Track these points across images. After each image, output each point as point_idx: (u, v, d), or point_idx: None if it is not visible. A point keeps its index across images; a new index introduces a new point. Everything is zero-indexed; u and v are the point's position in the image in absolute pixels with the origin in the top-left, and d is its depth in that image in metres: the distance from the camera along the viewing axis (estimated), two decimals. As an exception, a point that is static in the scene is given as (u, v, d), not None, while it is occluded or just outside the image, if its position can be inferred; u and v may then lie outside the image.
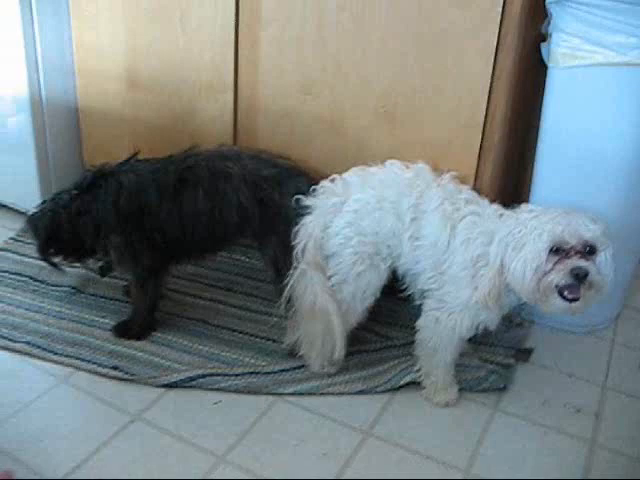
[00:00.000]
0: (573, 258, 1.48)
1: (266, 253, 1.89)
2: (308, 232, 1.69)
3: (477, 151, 1.86)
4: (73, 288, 2.11)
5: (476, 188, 1.81)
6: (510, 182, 2.11)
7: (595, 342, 2.02)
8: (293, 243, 1.70)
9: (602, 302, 1.91)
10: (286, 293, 1.72)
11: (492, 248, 1.56)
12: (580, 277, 1.47)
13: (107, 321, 1.97)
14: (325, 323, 1.70)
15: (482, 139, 1.85)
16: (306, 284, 1.70)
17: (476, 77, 1.79)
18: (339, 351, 1.72)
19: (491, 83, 1.78)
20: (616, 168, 1.81)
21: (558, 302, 1.52)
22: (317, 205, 1.70)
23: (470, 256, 1.59)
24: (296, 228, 1.70)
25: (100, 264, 2.06)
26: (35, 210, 1.92)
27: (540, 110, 1.87)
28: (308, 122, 2.03)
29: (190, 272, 2.19)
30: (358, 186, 1.70)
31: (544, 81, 1.85)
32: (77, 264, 2.01)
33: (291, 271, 1.71)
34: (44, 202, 1.92)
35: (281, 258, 1.79)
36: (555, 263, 1.49)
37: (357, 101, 1.95)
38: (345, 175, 1.73)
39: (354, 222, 1.66)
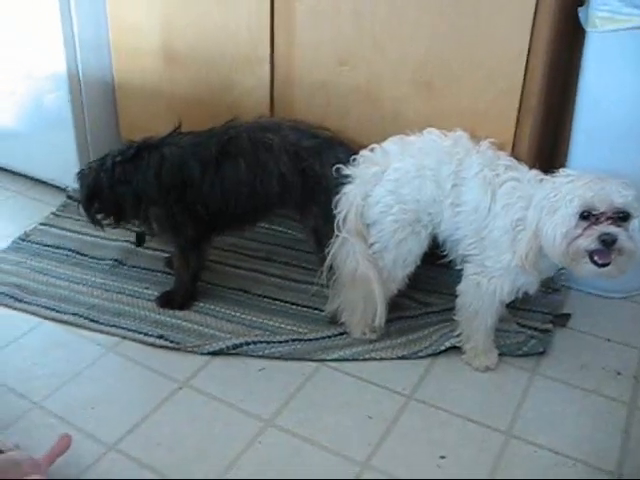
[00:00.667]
0: (603, 224, 1.49)
1: (307, 223, 1.92)
2: (349, 201, 1.71)
3: (515, 118, 1.86)
4: (115, 260, 2.16)
5: (514, 155, 1.81)
6: (548, 148, 2.11)
7: (632, 307, 2.03)
8: (334, 212, 1.72)
9: (638, 267, 1.97)
10: (327, 262, 1.74)
11: (529, 212, 1.58)
12: (608, 243, 1.48)
13: (150, 292, 2.02)
14: (366, 290, 1.73)
15: (519, 105, 1.85)
16: (347, 252, 1.73)
17: (513, 43, 1.79)
18: (380, 317, 1.75)
19: (528, 49, 1.78)
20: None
21: (589, 267, 1.53)
22: (357, 174, 1.72)
23: (510, 220, 1.60)
24: (337, 197, 1.72)
25: (137, 232, 2.10)
26: (84, 167, 1.97)
27: (578, 76, 1.87)
28: (344, 93, 2.04)
29: (229, 243, 2.22)
30: (397, 155, 1.71)
31: (582, 46, 1.84)
32: (119, 225, 2.02)
33: (332, 240, 1.73)
34: (93, 161, 1.97)
35: (322, 228, 1.82)
36: (585, 228, 1.50)
37: (393, 71, 1.96)
38: (384, 144, 1.74)
39: (395, 190, 1.68)
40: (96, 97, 2.45)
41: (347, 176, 1.73)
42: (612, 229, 1.48)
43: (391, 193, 1.68)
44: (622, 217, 1.50)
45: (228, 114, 1.98)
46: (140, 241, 2.13)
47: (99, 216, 1.97)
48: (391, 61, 1.95)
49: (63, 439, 1.45)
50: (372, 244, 1.73)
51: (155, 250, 2.19)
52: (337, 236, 1.72)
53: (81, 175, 1.94)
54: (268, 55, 2.11)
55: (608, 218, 1.49)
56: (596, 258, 1.51)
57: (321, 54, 2.04)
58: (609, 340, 1.88)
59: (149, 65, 2.34)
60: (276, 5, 2.05)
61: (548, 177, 1.63)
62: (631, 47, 1.72)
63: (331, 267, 1.75)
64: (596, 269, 1.52)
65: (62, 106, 2.39)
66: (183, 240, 1.92)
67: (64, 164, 2.46)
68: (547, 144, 2.10)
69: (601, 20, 1.71)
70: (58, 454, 1.43)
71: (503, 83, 1.84)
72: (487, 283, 1.67)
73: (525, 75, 1.81)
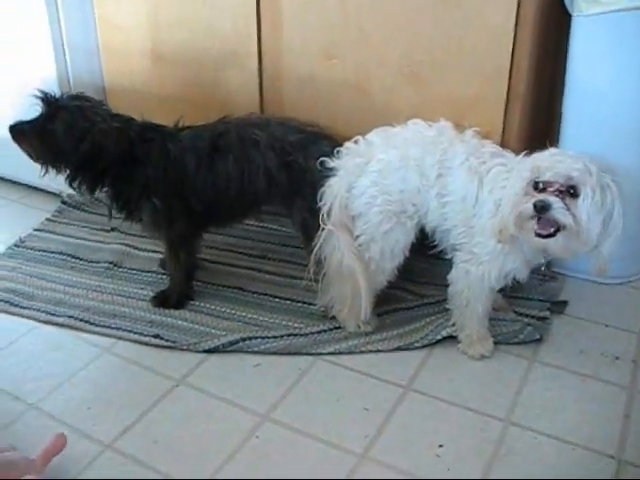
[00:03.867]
0: (547, 193, 1.48)
1: (294, 217, 1.92)
2: (333, 193, 1.70)
3: (503, 104, 1.85)
4: (110, 263, 2.15)
5: (504, 142, 1.82)
6: (539, 134, 2.09)
7: (629, 292, 2.02)
8: (319, 205, 1.71)
9: (634, 252, 1.96)
10: (314, 255, 1.74)
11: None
12: (538, 208, 1.46)
13: (146, 292, 2.01)
14: (353, 283, 1.73)
15: (508, 92, 1.84)
16: (333, 245, 1.72)
17: (499, 29, 1.78)
18: (365, 310, 1.74)
19: (514, 34, 1.77)
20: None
21: (532, 238, 1.52)
22: (341, 166, 1.72)
23: (493, 203, 1.60)
24: (321, 190, 1.72)
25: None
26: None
27: (566, 60, 1.86)
28: (333, 86, 2.04)
29: (225, 242, 2.23)
30: (381, 146, 1.71)
31: (569, 30, 1.83)
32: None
33: (319, 233, 1.73)
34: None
35: (309, 221, 1.81)
36: (529, 196, 1.50)
37: (381, 62, 1.96)
38: (368, 136, 1.74)
39: (378, 181, 1.68)
40: None
41: (331, 168, 1.72)
42: (549, 198, 1.47)
43: (375, 184, 1.68)
44: (572, 193, 1.48)
45: (219, 112, 1.98)
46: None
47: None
48: (378, 51, 1.95)
49: (58, 438, 1.45)
50: (358, 236, 1.72)
51: (150, 252, 2.19)
52: (322, 229, 1.72)
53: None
54: (256, 50, 2.11)
55: (558, 191, 1.48)
56: (536, 227, 1.50)
57: (308, 47, 2.04)
58: (607, 326, 1.87)
59: (138, 65, 2.35)
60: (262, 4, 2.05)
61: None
62: (617, 30, 1.71)
63: (319, 260, 1.75)
64: (539, 240, 1.51)
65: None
66: (173, 235, 1.92)
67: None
68: (538, 130, 2.08)
69: (586, 3, 1.70)
70: (54, 454, 1.43)
71: (490, 68, 1.83)
72: (476, 270, 1.66)
73: (512, 61, 1.80)
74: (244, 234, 2.25)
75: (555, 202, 1.47)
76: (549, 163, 1.49)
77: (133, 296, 2.00)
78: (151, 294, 1.99)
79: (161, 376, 1.72)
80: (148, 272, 2.11)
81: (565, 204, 1.47)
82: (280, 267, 2.12)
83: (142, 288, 2.04)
